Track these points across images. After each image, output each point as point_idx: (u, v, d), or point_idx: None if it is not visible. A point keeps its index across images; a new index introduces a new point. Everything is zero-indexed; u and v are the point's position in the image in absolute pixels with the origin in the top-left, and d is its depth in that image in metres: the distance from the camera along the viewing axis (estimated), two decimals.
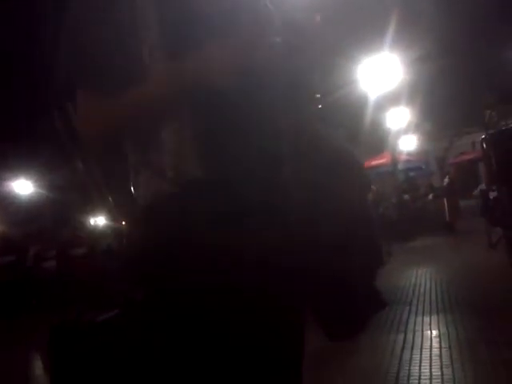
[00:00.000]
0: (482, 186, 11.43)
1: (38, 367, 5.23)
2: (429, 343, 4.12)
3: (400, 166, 15.63)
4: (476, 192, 13.32)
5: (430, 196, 15.28)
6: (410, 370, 3.55)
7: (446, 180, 15.63)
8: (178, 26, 0.89)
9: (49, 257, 10.46)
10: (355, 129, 9.23)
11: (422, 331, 4.49)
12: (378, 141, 14.82)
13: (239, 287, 0.83)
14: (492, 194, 7.96)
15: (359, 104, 7.92)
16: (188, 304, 0.83)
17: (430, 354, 3.82)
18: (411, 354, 3.87)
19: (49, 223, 17.00)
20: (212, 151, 0.86)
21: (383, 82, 8.69)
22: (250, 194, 0.85)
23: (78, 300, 7.41)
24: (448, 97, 13.01)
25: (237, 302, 0.84)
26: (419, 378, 3.38)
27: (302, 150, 0.92)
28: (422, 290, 6.36)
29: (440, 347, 3.96)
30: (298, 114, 0.97)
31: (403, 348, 4.06)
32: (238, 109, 0.87)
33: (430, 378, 3.35)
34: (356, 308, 1.01)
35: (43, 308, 8.67)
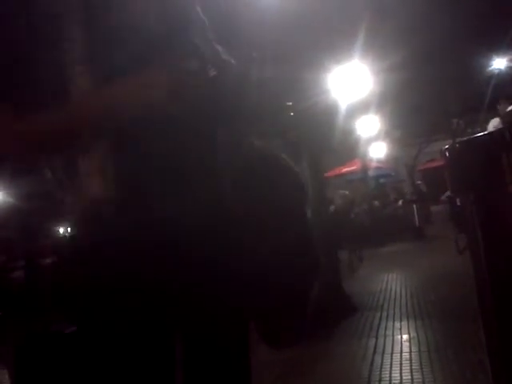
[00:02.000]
0: (449, 193, 11.69)
1: (4, 380, 5.09)
2: (399, 348, 4.18)
3: (370, 173, 15.87)
4: (444, 198, 13.62)
5: (400, 202, 15.55)
6: (380, 374, 3.59)
7: (417, 186, 15.97)
8: (107, 47, 0.84)
9: (17, 267, 10.22)
10: (326, 137, 9.35)
11: (393, 336, 4.55)
12: (349, 148, 15.03)
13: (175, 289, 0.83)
14: (459, 201, 8.15)
15: (330, 112, 8.03)
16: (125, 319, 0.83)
17: (401, 359, 3.87)
18: (382, 359, 3.92)
19: (17, 232, 16.61)
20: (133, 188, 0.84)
21: (353, 90, 8.83)
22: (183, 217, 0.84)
23: (48, 311, 7.25)
24: (416, 105, 13.29)
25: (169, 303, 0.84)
26: (390, 382, 3.42)
27: (238, 165, 0.92)
28: (392, 295, 6.45)
29: (410, 351, 4.03)
30: (234, 131, 0.96)
31: (374, 353, 4.11)
32: (165, 139, 0.84)
33: (401, 382, 3.40)
34: (297, 316, 1.01)
35: (11, 319, 8.45)
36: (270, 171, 1.00)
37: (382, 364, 3.80)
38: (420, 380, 3.37)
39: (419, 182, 16.30)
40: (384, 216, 13.86)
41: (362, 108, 11.71)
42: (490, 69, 13.60)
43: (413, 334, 4.52)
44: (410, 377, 3.46)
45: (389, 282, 7.42)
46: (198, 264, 0.86)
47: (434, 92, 12.55)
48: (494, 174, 1.01)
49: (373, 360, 3.92)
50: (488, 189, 1.03)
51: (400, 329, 4.76)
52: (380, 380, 3.49)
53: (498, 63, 13.66)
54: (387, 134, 16.83)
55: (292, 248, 0.99)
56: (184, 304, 0.86)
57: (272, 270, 0.97)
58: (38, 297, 8.87)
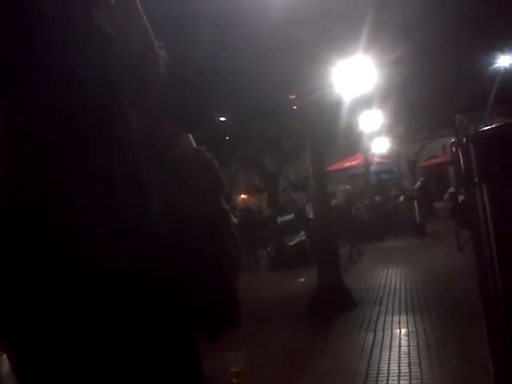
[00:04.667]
0: (452, 189, 11.69)
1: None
2: (397, 342, 4.20)
3: (372, 168, 15.85)
4: (446, 195, 13.62)
5: (401, 198, 15.54)
6: (379, 368, 3.61)
7: (419, 183, 15.95)
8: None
9: None
10: (329, 131, 9.32)
11: (391, 330, 4.57)
12: (351, 143, 14.99)
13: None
14: (461, 197, 8.15)
15: (333, 106, 8.00)
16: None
17: (399, 353, 3.89)
18: (380, 353, 3.94)
19: None
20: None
21: (357, 84, 8.80)
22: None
23: None
24: (420, 101, 13.23)
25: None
26: (388, 376, 3.44)
27: (156, 158, 0.92)
28: (391, 289, 6.47)
29: (408, 345, 4.05)
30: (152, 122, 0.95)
31: (373, 346, 4.13)
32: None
33: (399, 376, 3.42)
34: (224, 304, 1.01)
35: None
36: (189, 166, 1.00)
37: (380, 358, 3.82)
38: (418, 374, 3.38)
39: (422, 179, 16.28)
40: (385, 211, 13.86)
41: (365, 102, 11.67)
42: (495, 66, 13.54)
43: (411, 328, 4.54)
44: (408, 371, 3.48)
45: (388, 276, 7.44)
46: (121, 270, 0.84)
47: (437, 88, 12.50)
48: (507, 166, 1.01)
49: (371, 354, 3.94)
50: (502, 179, 1.03)
51: (399, 323, 4.78)
52: (378, 374, 3.50)
53: (503, 61, 13.60)
54: (390, 130, 16.79)
55: (213, 246, 0.99)
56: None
57: (195, 268, 0.97)
58: None
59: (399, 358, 3.77)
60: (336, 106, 8.62)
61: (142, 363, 0.86)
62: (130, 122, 0.90)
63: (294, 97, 7.04)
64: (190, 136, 1.06)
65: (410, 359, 3.70)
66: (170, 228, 0.89)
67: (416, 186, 15.99)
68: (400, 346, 4.06)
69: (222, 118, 10.47)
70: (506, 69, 13.37)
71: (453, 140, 1.15)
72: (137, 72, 0.93)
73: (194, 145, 1.04)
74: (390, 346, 4.08)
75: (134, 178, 0.88)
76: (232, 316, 1.02)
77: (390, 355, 3.86)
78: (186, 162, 0.99)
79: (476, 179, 1.10)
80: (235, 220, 9.05)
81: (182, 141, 1.03)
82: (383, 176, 18.50)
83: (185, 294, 0.93)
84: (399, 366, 3.59)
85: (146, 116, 0.93)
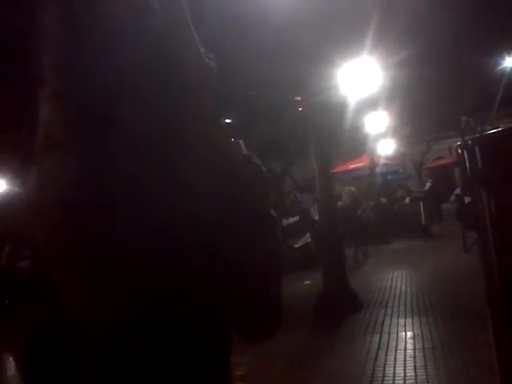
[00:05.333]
0: (458, 191, 11.65)
1: (11, 369, 5.14)
2: (403, 345, 4.18)
3: (378, 170, 15.82)
4: (452, 196, 13.57)
5: (407, 199, 15.50)
6: (384, 370, 3.60)
7: (429, 184, 15.91)
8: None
9: (23, 256, 10.30)
10: (335, 132, 9.32)
11: (397, 333, 4.55)
12: (357, 144, 14.97)
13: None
14: (467, 199, 8.11)
15: (339, 107, 7.99)
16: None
17: (405, 355, 3.87)
18: (386, 355, 3.93)
19: (24, 222, 16.72)
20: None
21: (363, 86, 8.79)
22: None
23: (53, 301, 7.29)
24: (426, 102, 13.21)
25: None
26: (394, 379, 3.43)
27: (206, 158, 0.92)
28: (397, 291, 6.45)
29: (414, 348, 4.03)
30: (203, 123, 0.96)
31: (378, 349, 4.11)
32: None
33: (404, 379, 3.40)
34: (271, 306, 1.01)
35: (17, 308, 8.50)
36: (244, 172, 1.01)
37: (385, 361, 3.81)
38: (424, 377, 3.37)
39: (432, 180, 16.23)
40: (391, 213, 13.82)
41: (370, 104, 11.65)
42: (501, 67, 13.49)
43: (417, 331, 4.52)
44: (413, 374, 3.46)
45: (394, 278, 7.41)
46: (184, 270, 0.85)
47: (443, 90, 12.47)
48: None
49: (377, 356, 3.93)
50: (507, 181, 1.02)
51: (404, 326, 4.76)
52: (384, 376, 3.49)
53: (510, 61, 13.54)
54: (396, 131, 16.76)
55: (263, 246, 1.00)
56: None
57: (245, 266, 0.98)
58: (44, 287, 8.94)
59: (405, 360, 3.76)
60: (341, 107, 8.61)
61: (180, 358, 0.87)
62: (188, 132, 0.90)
63: (299, 98, 7.04)
64: (241, 141, 1.06)
65: (415, 362, 3.69)
66: (221, 234, 0.90)
67: (426, 187, 15.96)
68: (406, 349, 4.04)
69: (227, 120, 10.49)
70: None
71: (459, 142, 1.14)
72: (189, 83, 0.93)
73: (245, 151, 1.05)
74: (396, 349, 4.06)
75: (192, 187, 0.89)
76: (274, 317, 1.03)
77: (395, 358, 3.84)
78: (238, 170, 1.00)
79: (481, 181, 1.09)
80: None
81: (234, 146, 1.03)
82: (389, 177, 18.46)
83: (231, 295, 0.94)
84: (405, 369, 3.58)
85: (200, 122, 0.94)
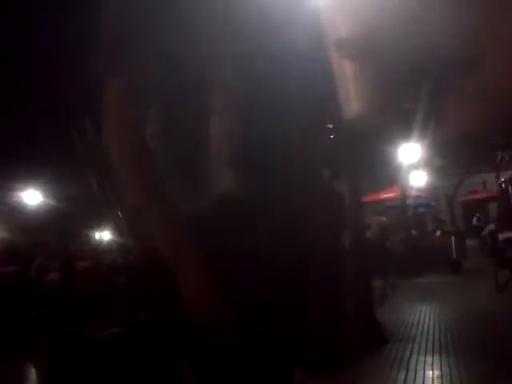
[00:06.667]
0: (491, 227, 11.35)
1: (35, 381, 5.17)
2: None
3: (409, 201, 15.57)
4: (485, 232, 13.22)
5: (438, 233, 15.17)
6: None
7: (475, 218, 15.62)
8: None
9: (52, 268, 10.45)
10: (366, 161, 9.25)
11: (424, 371, 4.40)
12: (389, 174, 14.82)
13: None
14: (502, 236, 7.88)
15: (372, 137, 7.96)
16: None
17: None
18: None
19: (55, 235, 17.05)
20: (249, 165, 0.86)
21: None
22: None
23: (79, 314, 7.36)
24: (460, 135, 13.03)
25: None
26: None
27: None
28: (425, 327, 6.26)
29: None
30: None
31: None
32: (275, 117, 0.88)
33: None
34: (344, 339, 1.01)
35: (43, 320, 8.62)
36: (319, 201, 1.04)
37: None
38: None
39: (478, 215, 15.99)
40: (421, 246, 13.54)
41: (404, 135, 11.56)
42: None
43: (445, 370, 4.36)
44: None
45: (422, 314, 7.20)
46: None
47: (476, 125, 12.31)
48: None
49: None
50: None
51: (432, 364, 4.60)
52: None
53: None
54: (428, 163, 16.55)
55: (337, 271, 1.01)
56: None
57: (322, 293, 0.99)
58: (72, 299, 9.04)
59: None
60: (375, 136, 8.56)
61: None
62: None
63: (331, 126, 7.02)
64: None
65: None
66: (296, 261, 0.93)
67: (474, 222, 15.74)
68: None
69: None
70: None
71: (503, 178, 1.11)
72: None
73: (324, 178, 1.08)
74: None
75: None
76: (340, 355, 1.04)
77: None
78: (316, 197, 1.03)
79: None
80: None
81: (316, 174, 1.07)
82: (420, 209, 18.16)
83: (303, 327, 0.96)
84: None
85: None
